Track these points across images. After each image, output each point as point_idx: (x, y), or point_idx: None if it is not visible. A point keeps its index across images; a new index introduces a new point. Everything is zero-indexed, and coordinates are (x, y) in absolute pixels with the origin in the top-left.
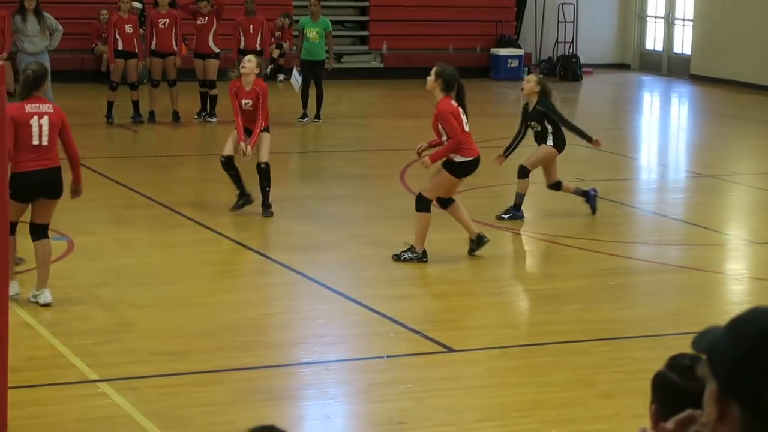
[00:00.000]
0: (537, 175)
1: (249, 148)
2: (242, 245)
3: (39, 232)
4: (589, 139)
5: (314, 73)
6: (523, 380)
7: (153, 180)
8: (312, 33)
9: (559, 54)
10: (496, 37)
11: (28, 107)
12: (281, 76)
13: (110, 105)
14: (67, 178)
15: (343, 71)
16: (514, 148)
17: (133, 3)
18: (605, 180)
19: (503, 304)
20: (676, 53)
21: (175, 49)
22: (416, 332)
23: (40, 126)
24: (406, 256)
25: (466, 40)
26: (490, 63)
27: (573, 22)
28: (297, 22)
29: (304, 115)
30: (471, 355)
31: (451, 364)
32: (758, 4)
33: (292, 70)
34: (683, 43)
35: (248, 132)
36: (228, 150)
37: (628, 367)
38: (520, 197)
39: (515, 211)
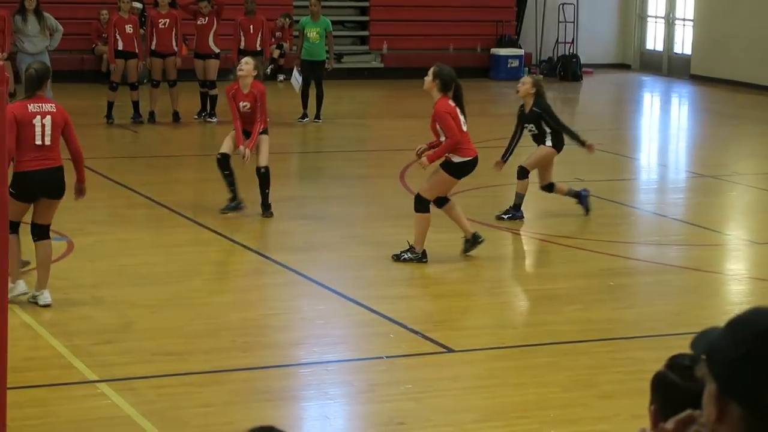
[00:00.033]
0: (536, 176)
1: (248, 151)
2: (242, 245)
3: (40, 232)
4: (582, 143)
5: (314, 73)
6: (523, 380)
7: (153, 180)
8: (312, 33)
9: (559, 54)
10: (497, 37)
11: (31, 106)
12: (281, 77)
13: (110, 105)
14: (70, 177)
15: (343, 71)
16: (512, 152)
17: (133, 3)
18: (605, 180)
19: (503, 305)
20: (676, 53)
21: (176, 49)
22: (416, 333)
23: (43, 126)
24: (406, 256)
25: (466, 40)
26: (491, 63)
27: (573, 22)
28: (297, 22)
29: (304, 115)
30: (471, 356)
31: (451, 365)
32: (758, 4)
33: (292, 70)
34: (683, 43)
35: (247, 134)
36: (225, 148)
37: (628, 368)
38: (519, 197)
39: (515, 212)
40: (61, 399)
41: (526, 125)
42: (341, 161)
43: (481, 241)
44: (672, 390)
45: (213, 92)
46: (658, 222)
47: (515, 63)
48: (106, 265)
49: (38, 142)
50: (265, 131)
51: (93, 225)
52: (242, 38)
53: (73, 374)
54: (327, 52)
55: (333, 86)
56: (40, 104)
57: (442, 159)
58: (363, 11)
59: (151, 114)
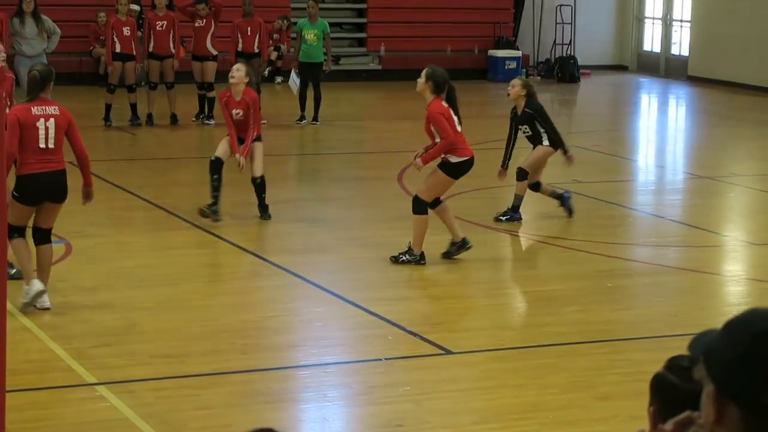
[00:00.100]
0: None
1: (243, 159)
2: (240, 248)
3: (42, 236)
4: (565, 152)
5: (312, 75)
6: (522, 382)
7: (151, 182)
8: (310, 35)
9: (556, 55)
10: (494, 39)
11: (35, 109)
12: (279, 78)
13: (108, 108)
14: (71, 181)
15: (341, 73)
16: (510, 156)
17: (131, 5)
18: (603, 182)
19: (501, 306)
20: (673, 54)
21: (173, 51)
22: (414, 334)
23: (47, 128)
24: (404, 258)
25: (463, 41)
26: (488, 64)
27: (571, 23)
28: (295, 24)
29: (302, 117)
30: (469, 358)
31: (450, 367)
32: (756, 5)
33: (289, 72)
34: (681, 44)
35: (241, 141)
36: (220, 152)
37: (627, 369)
38: (518, 199)
39: (513, 213)
40: (60, 402)
41: (520, 127)
42: (339, 163)
43: (469, 247)
44: (671, 391)
45: (211, 94)
46: (656, 223)
47: (513, 64)
48: (104, 268)
49: (42, 145)
50: (258, 138)
51: (91, 227)
52: (240, 40)
53: (72, 377)
54: (325, 54)
55: (331, 88)
56: (43, 107)
57: (438, 160)
58: (360, 13)
59: (149, 116)
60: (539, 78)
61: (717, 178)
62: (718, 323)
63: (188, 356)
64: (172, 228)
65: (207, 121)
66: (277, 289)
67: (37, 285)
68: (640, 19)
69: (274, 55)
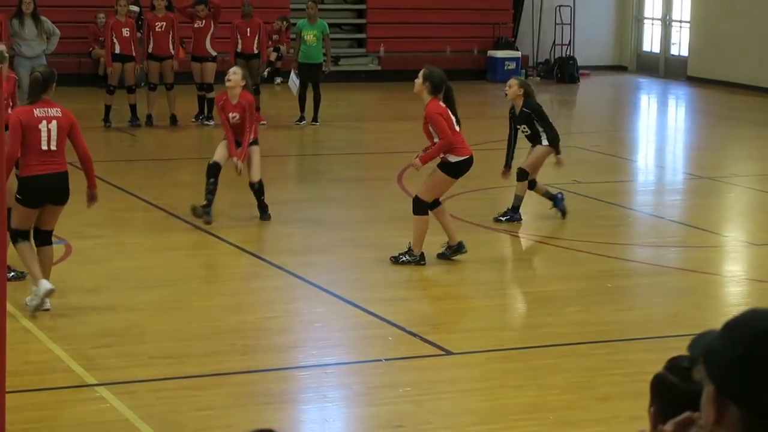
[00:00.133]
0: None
1: (240, 163)
2: (240, 248)
3: (43, 238)
4: (557, 152)
5: (312, 75)
6: (522, 383)
7: (151, 183)
8: (309, 36)
9: (556, 56)
10: (493, 40)
11: (37, 111)
12: (278, 79)
13: (108, 109)
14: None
15: (340, 74)
16: (512, 156)
17: (130, 6)
18: (603, 182)
19: (501, 307)
20: (673, 55)
21: (173, 52)
22: (414, 335)
23: (49, 131)
24: (404, 258)
25: (463, 42)
26: (487, 65)
27: (570, 24)
28: (294, 25)
29: (302, 118)
30: (469, 358)
31: (450, 367)
32: (755, 6)
33: (289, 73)
34: (680, 44)
35: (239, 145)
36: (218, 157)
37: (627, 370)
38: (518, 200)
39: (513, 214)
40: (60, 403)
41: (519, 126)
42: (339, 164)
43: (464, 251)
44: (671, 392)
45: (210, 95)
46: (656, 224)
47: (512, 65)
48: (104, 269)
49: (44, 147)
50: (255, 141)
51: (91, 228)
52: (239, 41)
53: (72, 378)
54: (324, 54)
55: (330, 89)
56: (45, 109)
57: (437, 160)
58: (360, 14)
59: (149, 117)
60: (539, 79)
61: (717, 178)
62: (718, 324)
63: (188, 357)
64: (172, 229)
65: (206, 122)
66: (277, 290)
67: (45, 284)
68: (639, 20)
69: (273, 56)
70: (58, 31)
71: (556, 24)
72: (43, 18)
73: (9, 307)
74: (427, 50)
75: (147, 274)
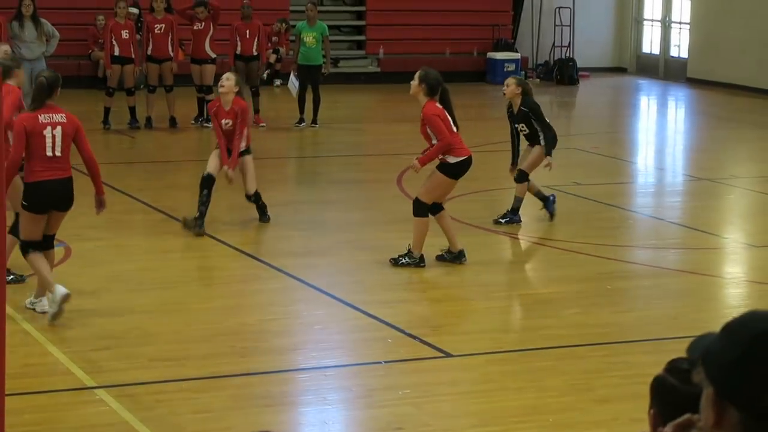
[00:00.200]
0: (535, 178)
1: (231, 172)
2: (239, 251)
3: (46, 242)
4: (548, 153)
5: (311, 77)
6: (521, 385)
7: (150, 186)
8: (309, 38)
9: (555, 58)
10: (493, 41)
11: (42, 117)
12: (278, 81)
13: (107, 111)
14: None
15: (339, 76)
16: (518, 153)
17: (129, 8)
18: (602, 184)
19: (501, 309)
20: (672, 56)
21: (172, 54)
22: (414, 337)
23: (54, 137)
24: (404, 260)
25: (462, 44)
26: (487, 67)
27: (569, 25)
28: (293, 26)
29: (301, 120)
30: (469, 360)
31: (449, 369)
32: (755, 7)
33: (288, 75)
34: (680, 46)
35: (230, 151)
36: (211, 168)
37: (626, 372)
38: (518, 201)
39: (513, 216)
40: (60, 405)
41: (517, 125)
42: (338, 166)
43: (463, 261)
44: (671, 394)
45: (210, 97)
46: (656, 225)
47: (512, 67)
48: (103, 271)
49: (49, 153)
50: (248, 150)
51: (90, 231)
52: (238, 43)
53: (71, 381)
54: (324, 56)
55: (329, 91)
56: (50, 114)
57: (436, 162)
58: (359, 16)
59: (148, 119)
60: (538, 80)
61: (716, 180)
62: (718, 325)
63: (187, 359)
64: (172, 231)
65: (206, 124)
66: (277, 292)
67: (61, 290)
68: (639, 21)
69: (272, 58)
70: (57, 34)
71: (555, 25)
72: (43, 20)
73: (8, 310)
74: (426, 52)
75: (146, 277)
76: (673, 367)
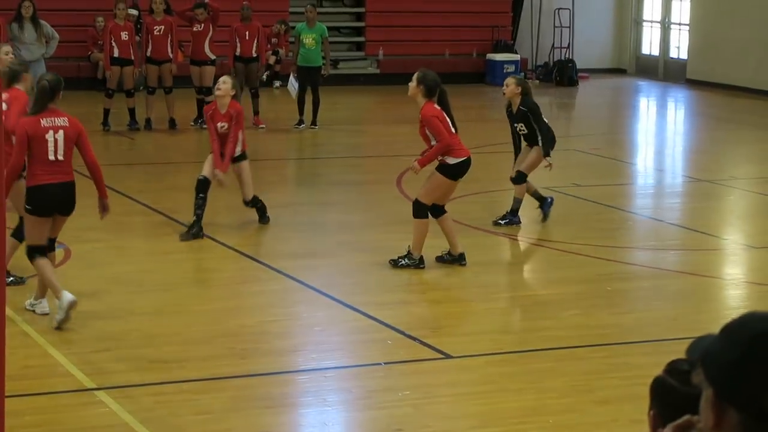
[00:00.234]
0: (535, 179)
1: (222, 174)
2: (239, 252)
3: (48, 245)
4: (546, 154)
5: (311, 79)
6: (521, 386)
7: (150, 187)
8: (308, 39)
9: (555, 59)
10: (492, 43)
11: (44, 121)
12: (277, 83)
13: (107, 112)
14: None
15: (339, 77)
16: (521, 151)
17: (129, 10)
18: (602, 185)
19: (500, 310)
20: (672, 58)
21: (171, 56)
22: (414, 339)
23: (56, 140)
24: (404, 262)
25: (462, 45)
26: (487, 68)
27: (569, 27)
28: (293, 28)
29: (301, 122)
30: (469, 362)
31: (449, 371)
32: (755, 8)
33: (288, 76)
34: (679, 47)
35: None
36: (206, 172)
37: (626, 373)
38: (517, 203)
39: (512, 217)
40: (60, 407)
41: (516, 125)
42: (338, 167)
43: (463, 264)
44: (671, 395)
45: (209, 99)
46: (655, 227)
47: (511, 68)
48: (103, 273)
49: (51, 157)
50: (244, 156)
51: (90, 232)
52: (238, 45)
53: (71, 382)
54: (323, 58)
55: (329, 92)
56: (52, 118)
57: (436, 163)
58: (359, 17)
59: (148, 121)
60: (537, 81)
61: (716, 181)
62: (718, 327)
63: (187, 361)
64: (171, 233)
65: (205, 126)
66: (276, 294)
67: (68, 296)
68: (638, 23)
69: (272, 60)
70: (57, 35)
71: (555, 27)
72: (43, 22)
73: (8, 312)
74: (425, 53)
75: (146, 278)
76: (672, 368)
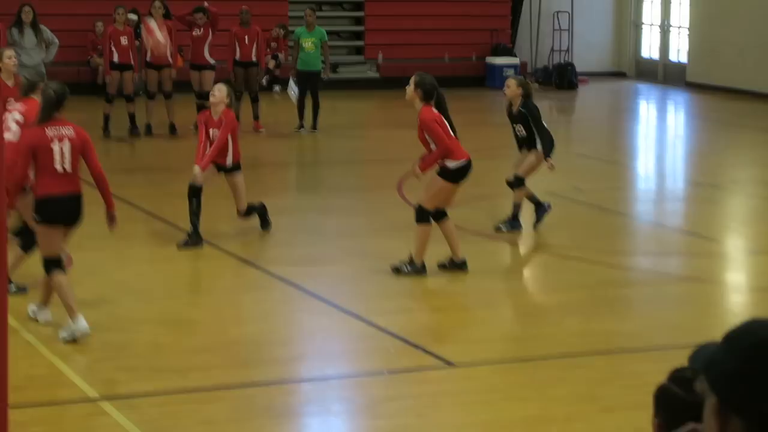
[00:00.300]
0: (536, 183)
1: (200, 170)
2: (241, 259)
3: None
4: (546, 156)
5: (310, 83)
6: (526, 394)
7: (150, 193)
8: (308, 43)
9: (554, 62)
10: (492, 46)
11: (49, 132)
12: (277, 87)
13: (106, 118)
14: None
15: (339, 82)
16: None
17: (128, 15)
18: (602, 189)
19: (503, 317)
20: (671, 61)
21: (171, 60)
22: (417, 347)
23: (62, 151)
24: (405, 269)
25: (461, 49)
26: (486, 72)
27: (568, 30)
28: (292, 32)
29: (301, 126)
30: (472, 370)
31: (453, 379)
32: (754, 11)
33: (288, 80)
34: (679, 50)
35: (217, 166)
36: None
37: (630, 381)
38: (517, 207)
39: (513, 222)
40: (63, 417)
41: (514, 125)
42: (338, 172)
43: (465, 271)
44: (675, 403)
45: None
46: (657, 231)
47: (511, 72)
48: (105, 280)
49: (58, 168)
50: (238, 166)
51: (91, 240)
52: (237, 49)
53: (74, 392)
54: (323, 62)
55: (329, 96)
56: (57, 128)
57: (436, 167)
58: (358, 21)
59: (148, 126)
60: (537, 85)
61: (717, 185)
62: (722, 333)
63: (190, 370)
64: (172, 239)
65: None
66: (278, 302)
67: (83, 325)
68: (637, 25)
69: (272, 64)
70: (56, 40)
71: (554, 30)
72: (43, 27)
73: (11, 321)
74: (425, 57)
75: (148, 286)
76: (676, 376)
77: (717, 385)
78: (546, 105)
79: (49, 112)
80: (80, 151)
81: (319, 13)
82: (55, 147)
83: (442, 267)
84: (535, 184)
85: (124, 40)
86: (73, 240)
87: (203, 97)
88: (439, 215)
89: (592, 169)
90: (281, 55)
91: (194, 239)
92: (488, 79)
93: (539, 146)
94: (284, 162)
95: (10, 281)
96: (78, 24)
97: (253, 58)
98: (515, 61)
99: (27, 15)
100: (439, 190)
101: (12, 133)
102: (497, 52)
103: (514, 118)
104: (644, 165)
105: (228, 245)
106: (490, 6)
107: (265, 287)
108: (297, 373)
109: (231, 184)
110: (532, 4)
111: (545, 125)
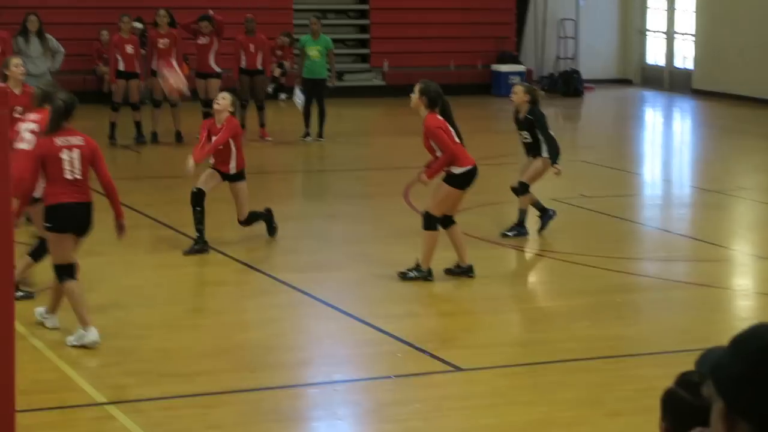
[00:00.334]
0: (541, 190)
1: (192, 164)
2: (247, 265)
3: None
4: (553, 162)
5: (316, 91)
6: (532, 399)
7: (157, 200)
8: (313, 51)
9: (560, 70)
10: (497, 54)
11: (58, 141)
12: (283, 95)
13: (113, 126)
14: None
15: (344, 89)
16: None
17: (133, 23)
18: (609, 196)
19: (510, 322)
20: (677, 68)
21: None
22: (423, 351)
23: (72, 160)
24: (412, 274)
25: (466, 56)
26: (492, 79)
27: (574, 37)
28: (298, 40)
29: (307, 134)
30: (478, 374)
31: (459, 384)
32: (760, 18)
33: (293, 88)
34: (685, 57)
35: (220, 173)
36: (201, 183)
37: (637, 385)
38: (522, 213)
39: (519, 228)
40: (71, 421)
41: (520, 132)
42: (344, 180)
43: (472, 276)
44: (682, 407)
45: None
46: (664, 237)
47: (516, 79)
48: (112, 287)
49: (68, 176)
50: (242, 175)
51: (98, 246)
52: (243, 57)
53: (81, 397)
54: (328, 70)
55: (334, 104)
56: (67, 138)
57: (443, 174)
58: (363, 29)
59: (154, 134)
60: (543, 92)
61: (724, 191)
62: (728, 338)
63: (197, 375)
64: (179, 246)
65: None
66: (285, 307)
67: (93, 335)
68: (643, 33)
69: (277, 72)
70: (62, 49)
71: (559, 37)
72: (48, 35)
73: (18, 326)
74: (430, 65)
75: (155, 292)
76: (683, 380)
77: (724, 390)
78: (552, 112)
79: (59, 121)
80: (90, 160)
81: (324, 22)
82: (65, 156)
83: (449, 272)
84: (541, 190)
85: (129, 49)
86: (82, 246)
87: (209, 105)
88: (447, 222)
89: (598, 175)
90: (287, 64)
91: (200, 245)
92: (494, 87)
93: (545, 153)
94: (290, 169)
95: (17, 287)
96: (83, 33)
97: (259, 66)
98: (521, 68)
99: (33, 24)
100: (445, 196)
101: (27, 142)
102: (503, 59)
103: (520, 125)
104: (650, 172)
105: (234, 251)
106: (496, 14)
107: (272, 292)
108: (304, 377)
109: (233, 192)
110: (537, 12)
111: (551, 132)
